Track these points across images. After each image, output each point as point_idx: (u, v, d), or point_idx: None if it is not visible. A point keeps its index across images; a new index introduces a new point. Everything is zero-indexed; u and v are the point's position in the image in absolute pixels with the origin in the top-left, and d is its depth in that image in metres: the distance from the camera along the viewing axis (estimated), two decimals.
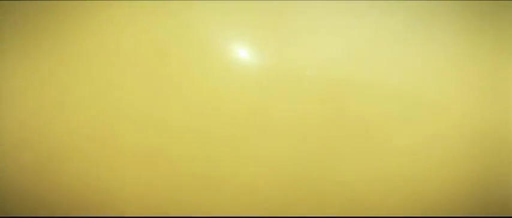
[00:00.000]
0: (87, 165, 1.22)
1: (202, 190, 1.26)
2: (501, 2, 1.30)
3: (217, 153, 1.27)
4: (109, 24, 1.25)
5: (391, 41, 1.33)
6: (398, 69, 1.33)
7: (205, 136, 1.27)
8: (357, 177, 1.31)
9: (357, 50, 1.32)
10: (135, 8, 1.26)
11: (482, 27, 1.33)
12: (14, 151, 1.22)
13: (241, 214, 1.27)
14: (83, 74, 1.24)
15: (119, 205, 1.24)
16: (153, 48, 1.23)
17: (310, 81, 1.25)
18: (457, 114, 1.32)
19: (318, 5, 1.31)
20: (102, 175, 1.22)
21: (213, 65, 1.24)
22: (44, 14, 1.28)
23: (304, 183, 1.27)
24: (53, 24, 1.26)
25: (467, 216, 1.28)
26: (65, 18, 1.27)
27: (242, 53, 1.26)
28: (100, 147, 1.22)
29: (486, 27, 1.34)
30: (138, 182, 1.23)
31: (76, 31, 1.26)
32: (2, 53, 1.26)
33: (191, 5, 1.29)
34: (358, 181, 1.31)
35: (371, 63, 1.32)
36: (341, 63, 1.32)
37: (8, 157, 1.24)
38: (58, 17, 1.27)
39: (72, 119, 1.23)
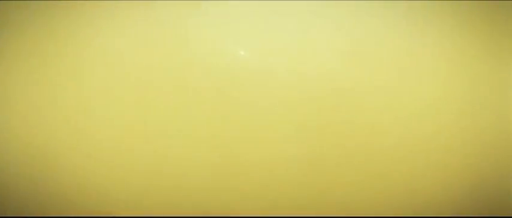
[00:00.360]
0: (83, 163, 1.21)
1: (200, 191, 1.25)
2: (498, 2, 1.28)
3: (215, 153, 1.26)
4: (108, 26, 1.24)
5: (388, 41, 1.31)
6: (396, 70, 1.31)
7: (203, 137, 1.25)
8: (359, 176, 1.29)
9: (353, 51, 1.31)
10: (135, 10, 1.25)
11: (479, 27, 1.31)
12: (10, 148, 1.21)
13: (242, 214, 1.26)
14: (82, 75, 1.23)
15: (113, 202, 1.23)
16: (151, 50, 1.22)
17: (310, 81, 1.24)
18: (453, 113, 1.30)
19: (314, 5, 1.29)
20: (97, 172, 1.21)
21: (213, 67, 1.23)
22: (42, 16, 1.27)
23: (309, 181, 1.26)
24: (52, 26, 1.25)
25: (467, 216, 1.27)
26: (64, 20, 1.26)
27: (240, 54, 1.25)
28: (98, 146, 1.21)
29: (483, 26, 1.32)
30: (134, 182, 1.22)
31: (75, 33, 1.25)
32: (1, 53, 1.25)
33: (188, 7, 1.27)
34: (360, 179, 1.29)
35: (368, 63, 1.30)
36: (338, 65, 1.31)
37: (5, 154, 1.23)
38: (57, 18, 1.26)
39: (70, 118, 1.22)
